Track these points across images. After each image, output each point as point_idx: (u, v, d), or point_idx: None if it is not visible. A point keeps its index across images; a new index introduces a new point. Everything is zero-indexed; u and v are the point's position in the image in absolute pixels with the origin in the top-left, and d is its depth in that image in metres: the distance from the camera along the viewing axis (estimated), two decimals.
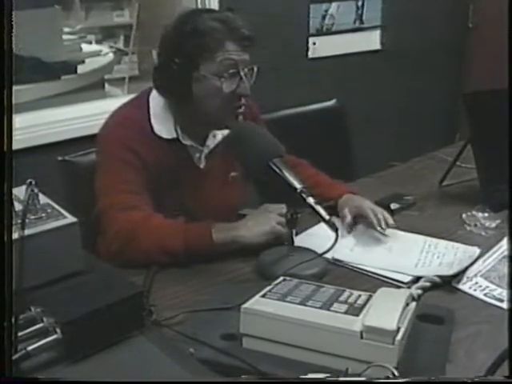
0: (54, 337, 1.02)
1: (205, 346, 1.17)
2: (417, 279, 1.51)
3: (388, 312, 1.15)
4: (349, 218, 1.78)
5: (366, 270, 1.58)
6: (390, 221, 1.77)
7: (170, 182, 1.71)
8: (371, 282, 1.51)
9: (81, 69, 3.96)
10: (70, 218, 1.17)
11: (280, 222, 1.60)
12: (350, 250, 1.64)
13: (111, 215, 1.61)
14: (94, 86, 4.03)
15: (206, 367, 1.02)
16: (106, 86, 4.53)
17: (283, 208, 1.59)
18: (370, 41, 3.71)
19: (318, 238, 1.62)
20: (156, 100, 1.73)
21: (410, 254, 1.66)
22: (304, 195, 1.46)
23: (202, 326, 1.27)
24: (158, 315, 1.28)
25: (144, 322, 1.13)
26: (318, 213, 1.45)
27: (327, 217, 1.45)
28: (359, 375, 1.09)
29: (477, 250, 1.63)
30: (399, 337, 1.10)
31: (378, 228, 1.75)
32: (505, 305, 1.41)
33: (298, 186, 1.47)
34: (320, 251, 1.52)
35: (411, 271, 1.56)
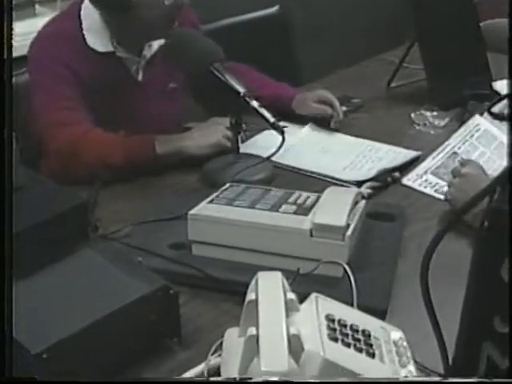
0: None
1: (154, 255, 1.19)
2: (368, 179, 1.54)
3: (337, 210, 1.17)
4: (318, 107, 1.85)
5: (314, 173, 1.60)
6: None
7: (107, 97, 1.69)
8: (320, 184, 1.52)
9: None
10: None
11: (226, 135, 1.60)
12: (283, 150, 1.59)
13: (50, 133, 1.60)
14: (24, 6, 3.91)
15: (156, 275, 1.03)
16: (37, 7, 4.39)
17: None
18: None
19: (264, 143, 1.64)
20: (88, 12, 1.68)
21: (343, 157, 1.69)
22: (248, 99, 1.46)
23: (150, 236, 1.28)
24: (104, 230, 1.30)
25: (89, 234, 1.14)
26: (262, 116, 1.46)
27: (272, 119, 1.46)
28: (310, 273, 1.12)
29: (419, 154, 1.67)
30: (349, 233, 1.13)
31: (334, 121, 1.82)
32: None
33: (240, 89, 1.47)
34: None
35: (337, 174, 1.59)
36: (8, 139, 0.73)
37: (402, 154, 1.68)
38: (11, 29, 0.76)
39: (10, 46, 0.74)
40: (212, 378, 0.92)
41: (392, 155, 1.69)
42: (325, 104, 1.85)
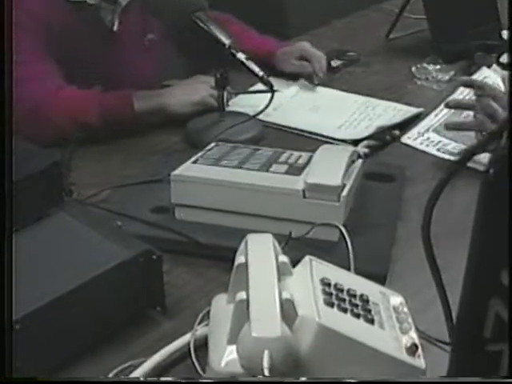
0: None
1: (134, 220, 1.20)
2: (364, 137, 1.55)
3: (331, 169, 1.19)
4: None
5: (305, 131, 1.62)
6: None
7: (80, 49, 1.67)
8: (313, 144, 1.53)
9: None
10: None
11: (212, 94, 1.61)
12: (273, 108, 1.61)
13: (15, 90, 1.58)
14: None
15: (137, 240, 1.04)
16: None
17: None
18: None
19: (251, 101, 1.65)
20: None
21: (338, 115, 1.70)
22: (233, 51, 1.46)
23: (129, 201, 1.29)
24: (79, 195, 1.30)
25: (63, 199, 1.14)
26: (249, 69, 1.46)
27: (261, 73, 1.46)
28: (303, 237, 1.14)
29: (421, 111, 1.68)
30: (345, 193, 1.14)
31: (315, 77, 1.84)
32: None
33: (226, 41, 1.47)
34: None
35: (331, 132, 1.60)
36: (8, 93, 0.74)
37: (402, 111, 1.69)
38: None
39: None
40: (162, 378, 0.92)
41: (391, 112, 1.70)
42: (306, 59, 1.86)
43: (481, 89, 1.41)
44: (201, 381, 0.85)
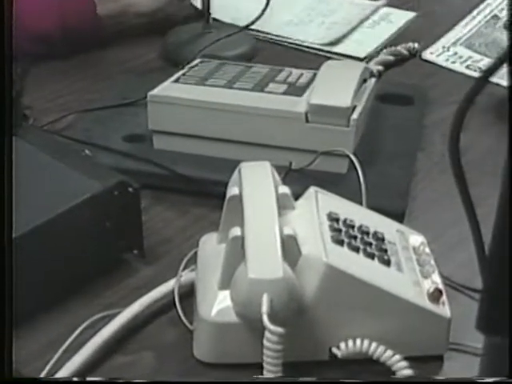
0: None
1: (103, 150, 1.21)
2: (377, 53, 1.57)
3: (339, 88, 1.20)
4: None
5: (308, 47, 1.64)
6: None
7: None
8: (317, 61, 1.53)
9: None
10: None
11: None
12: (269, 16, 1.62)
13: None
14: None
15: (110, 170, 1.05)
16: None
17: None
18: None
19: (242, 8, 1.67)
20: None
21: (348, 27, 1.72)
22: None
23: (98, 127, 1.30)
24: (35, 121, 1.32)
25: (21, 122, 1.15)
26: None
27: None
28: (306, 168, 1.16)
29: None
30: (355, 116, 1.15)
31: None
32: (492, 79, 1.48)
33: None
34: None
35: (340, 47, 1.63)
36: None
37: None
38: None
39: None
40: (89, 378, 0.91)
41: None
42: None
43: None
44: (137, 381, 0.84)
